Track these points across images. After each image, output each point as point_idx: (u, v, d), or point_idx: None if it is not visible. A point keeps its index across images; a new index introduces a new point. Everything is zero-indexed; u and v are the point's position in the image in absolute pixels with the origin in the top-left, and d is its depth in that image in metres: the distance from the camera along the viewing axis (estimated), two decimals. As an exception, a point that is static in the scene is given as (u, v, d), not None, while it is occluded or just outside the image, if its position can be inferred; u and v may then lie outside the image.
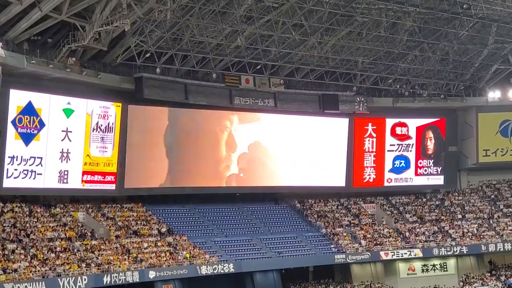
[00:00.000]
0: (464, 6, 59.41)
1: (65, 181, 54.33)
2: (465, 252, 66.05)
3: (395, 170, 72.10)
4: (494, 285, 65.08)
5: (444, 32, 63.11)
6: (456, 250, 65.61)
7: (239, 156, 64.90)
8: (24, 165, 51.70)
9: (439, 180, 73.70)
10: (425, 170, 73.03)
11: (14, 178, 51.23)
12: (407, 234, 66.98)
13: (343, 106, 67.77)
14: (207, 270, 54.80)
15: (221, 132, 63.99)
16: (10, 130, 50.73)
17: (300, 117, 66.81)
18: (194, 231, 60.13)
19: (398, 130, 71.86)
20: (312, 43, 61.62)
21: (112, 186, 57.56)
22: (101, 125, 56.29)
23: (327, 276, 64.87)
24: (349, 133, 69.43)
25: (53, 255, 48.63)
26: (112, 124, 56.93)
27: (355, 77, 67.69)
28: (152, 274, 51.65)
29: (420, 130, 72.57)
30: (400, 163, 72.21)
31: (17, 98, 50.92)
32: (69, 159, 54.46)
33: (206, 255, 56.47)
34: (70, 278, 46.62)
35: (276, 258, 60.02)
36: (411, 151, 72.45)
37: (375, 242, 64.77)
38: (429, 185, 73.99)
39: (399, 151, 72.15)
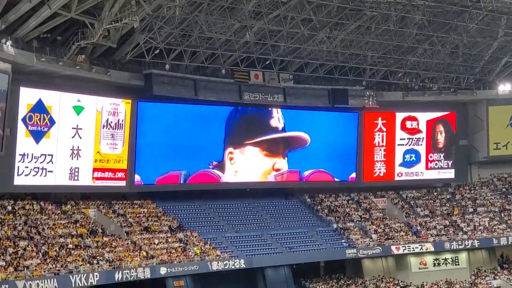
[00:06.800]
0: (474, -1, 59.18)
1: (76, 178, 54.50)
2: (476, 246, 65.85)
3: (405, 164, 71.90)
4: (507, 279, 64.90)
5: (454, 25, 62.81)
6: (468, 244, 65.42)
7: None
8: (35, 162, 51.88)
9: (450, 173, 73.45)
10: (436, 164, 72.80)
11: (25, 175, 51.42)
12: (418, 228, 66.81)
13: (352, 101, 67.52)
14: (218, 266, 54.87)
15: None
16: (21, 128, 50.88)
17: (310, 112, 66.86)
18: (205, 227, 60.17)
19: (408, 124, 71.63)
20: (321, 37, 61.44)
21: (123, 183, 57.70)
22: (111, 122, 56.40)
23: (338, 271, 64.76)
24: (359, 127, 69.31)
25: (64, 252, 48.80)
26: (122, 121, 57.04)
27: (364, 71, 67.49)
28: (163, 270, 51.77)
29: (431, 124, 72.32)
30: (411, 157, 71.99)
31: (27, 96, 51.07)
32: (80, 156, 54.61)
33: (217, 251, 56.55)
34: (82, 275, 46.77)
35: (287, 253, 60.06)
36: (421, 145, 72.22)
37: (386, 236, 64.67)
38: (440, 179, 73.74)
39: (409, 145, 71.92)
